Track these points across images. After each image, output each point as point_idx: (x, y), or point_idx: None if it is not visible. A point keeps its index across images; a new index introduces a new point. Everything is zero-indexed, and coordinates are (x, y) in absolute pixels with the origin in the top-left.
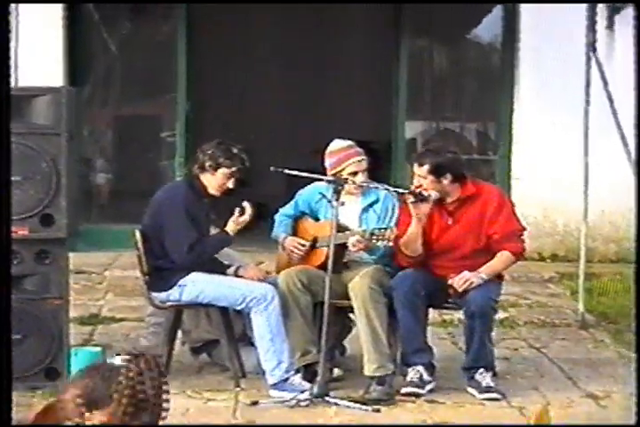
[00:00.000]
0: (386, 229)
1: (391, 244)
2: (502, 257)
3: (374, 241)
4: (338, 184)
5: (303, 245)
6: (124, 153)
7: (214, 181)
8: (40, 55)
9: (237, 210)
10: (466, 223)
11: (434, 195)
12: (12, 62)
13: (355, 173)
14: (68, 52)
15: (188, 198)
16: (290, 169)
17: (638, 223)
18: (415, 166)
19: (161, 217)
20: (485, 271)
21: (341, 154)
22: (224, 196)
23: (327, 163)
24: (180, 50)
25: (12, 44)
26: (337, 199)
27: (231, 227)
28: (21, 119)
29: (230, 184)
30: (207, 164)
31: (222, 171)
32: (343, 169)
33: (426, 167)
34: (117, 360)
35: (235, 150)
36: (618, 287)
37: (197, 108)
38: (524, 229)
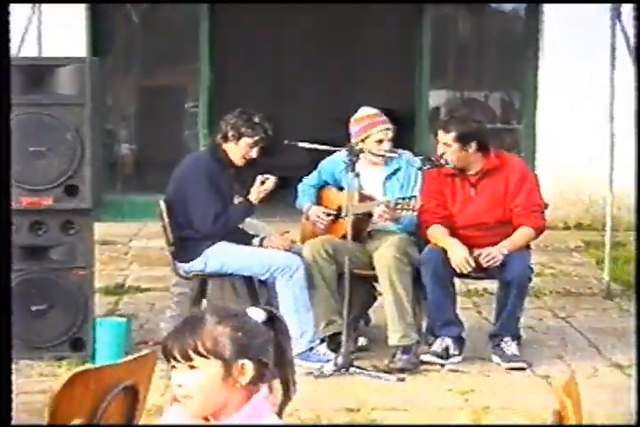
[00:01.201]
0: (410, 198)
1: (416, 213)
2: (523, 232)
3: (399, 211)
4: (352, 155)
5: (328, 215)
6: (148, 124)
7: (237, 151)
8: (63, 26)
9: (259, 179)
10: (489, 195)
11: (450, 162)
12: (35, 33)
13: (380, 141)
14: (91, 23)
15: (212, 168)
16: (312, 140)
17: (638, 217)
18: (440, 133)
19: (185, 188)
20: (507, 246)
21: (367, 121)
22: (248, 166)
23: (352, 130)
24: (202, 21)
25: (35, 16)
26: (352, 170)
27: (254, 196)
28: (45, 90)
29: (253, 154)
30: (229, 133)
31: (245, 140)
32: (368, 136)
33: (452, 135)
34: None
35: (257, 119)
36: None
37: (221, 79)
38: (547, 205)
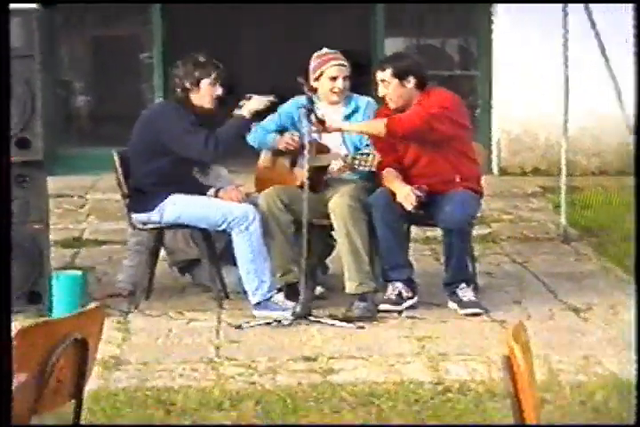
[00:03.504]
0: (368, 154)
1: (374, 169)
2: (374, 121)
3: (356, 166)
4: (305, 107)
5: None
6: (103, 75)
7: (203, 96)
8: None
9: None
10: None
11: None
12: None
13: (334, 78)
14: None
15: (182, 111)
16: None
17: (637, 213)
18: (378, 73)
19: (158, 131)
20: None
21: (322, 58)
22: (211, 116)
23: (310, 70)
24: None
25: None
26: (309, 121)
27: (245, 109)
28: None
29: (218, 91)
30: (187, 83)
31: (204, 82)
32: (322, 73)
33: (389, 71)
34: None
35: (202, 59)
36: (600, 200)
37: (175, 27)
38: (445, 110)
